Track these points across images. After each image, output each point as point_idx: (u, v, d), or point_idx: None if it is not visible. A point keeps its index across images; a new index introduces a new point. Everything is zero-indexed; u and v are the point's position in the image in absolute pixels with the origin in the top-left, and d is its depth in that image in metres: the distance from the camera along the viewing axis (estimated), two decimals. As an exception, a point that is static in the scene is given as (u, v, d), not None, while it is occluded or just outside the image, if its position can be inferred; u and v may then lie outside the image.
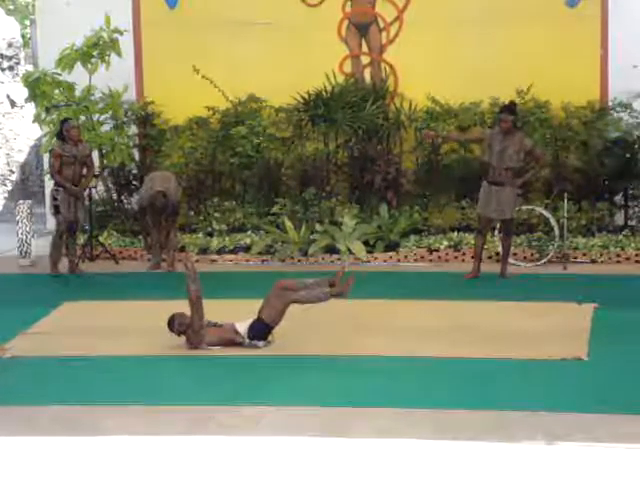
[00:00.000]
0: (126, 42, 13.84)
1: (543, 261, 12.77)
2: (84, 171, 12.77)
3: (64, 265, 12.80)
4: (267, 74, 14.20)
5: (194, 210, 14.14)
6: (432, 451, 6.84)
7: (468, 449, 6.83)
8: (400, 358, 8.94)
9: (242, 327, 9.26)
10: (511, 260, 12.45)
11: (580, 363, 8.72)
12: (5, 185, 18.29)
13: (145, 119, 14.47)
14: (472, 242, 12.77)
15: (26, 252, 13.40)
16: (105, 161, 14.06)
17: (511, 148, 11.76)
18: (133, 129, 14.53)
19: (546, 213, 13.03)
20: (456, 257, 13.16)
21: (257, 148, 13.96)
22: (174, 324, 9.26)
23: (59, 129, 12.77)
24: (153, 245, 12.97)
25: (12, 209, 14.56)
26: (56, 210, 12.69)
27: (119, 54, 13.62)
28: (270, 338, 9.28)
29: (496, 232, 12.79)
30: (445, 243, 13.25)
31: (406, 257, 13.20)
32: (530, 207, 13.23)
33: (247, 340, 9.21)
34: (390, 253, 13.23)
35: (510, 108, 12.02)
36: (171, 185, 12.72)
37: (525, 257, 12.94)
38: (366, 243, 13.27)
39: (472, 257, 12.35)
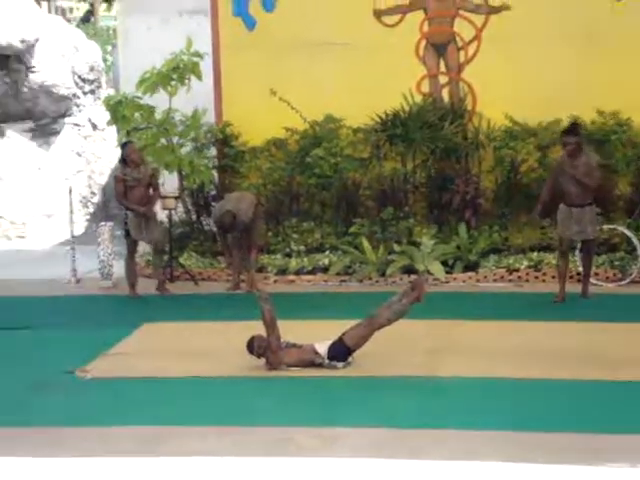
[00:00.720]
0: (205, 64, 13.96)
1: (626, 281, 12.58)
2: (150, 192, 12.86)
3: (144, 286, 12.92)
4: (344, 95, 14.23)
5: (272, 231, 14.19)
6: (512, 475, 6.75)
7: (549, 473, 6.73)
8: (479, 379, 8.86)
9: (322, 348, 9.25)
10: (593, 280, 12.28)
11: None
12: (87, 207, 18.55)
13: (224, 141, 14.58)
14: (553, 262, 12.63)
15: (107, 274, 13.55)
16: (185, 183, 14.18)
17: (581, 169, 11.57)
18: (212, 151, 14.64)
19: (628, 232, 12.84)
20: (536, 277, 13.01)
21: (335, 168, 13.97)
22: (253, 346, 9.30)
23: (121, 154, 12.90)
24: (231, 265, 13.03)
25: (94, 231, 14.73)
26: (127, 233, 12.84)
27: (199, 77, 13.74)
28: (350, 359, 9.26)
29: (577, 252, 12.62)
30: (525, 263, 13.12)
31: (485, 277, 13.08)
32: (612, 226, 13.04)
33: (327, 361, 9.20)
34: (469, 273, 13.12)
35: (573, 130, 11.84)
36: (243, 205, 12.68)
37: (607, 277, 12.75)
38: (445, 263, 13.18)
39: (553, 277, 12.19)
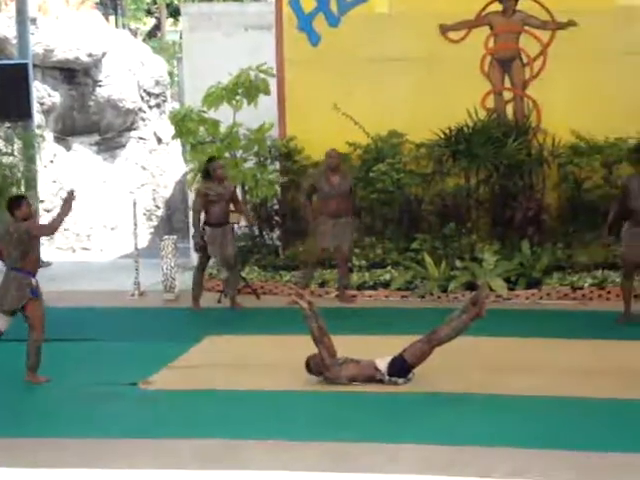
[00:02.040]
0: (269, 79, 14.04)
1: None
2: (231, 207, 12.94)
3: (205, 299, 13.01)
4: (408, 110, 14.22)
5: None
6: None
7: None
8: (540, 398, 8.78)
9: (382, 364, 9.24)
10: (658, 300, 12.13)
11: None
12: (151, 220, 18.73)
13: (287, 155, 14.63)
14: (617, 280, 12.50)
15: (170, 286, 13.66)
16: (248, 197, 14.26)
17: None
18: (276, 165, 14.71)
19: None
20: (600, 295, 12.88)
21: (397, 184, 13.96)
22: (312, 367, 9.38)
23: (205, 168, 12.99)
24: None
25: (157, 244, 14.87)
26: (198, 248, 12.92)
27: (268, 94, 13.84)
28: (410, 375, 9.24)
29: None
30: (589, 281, 12.99)
31: (549, 295, 12.97)
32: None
33: (387, 377, 9.18)
34: (532, 290, 13.03)
35: None
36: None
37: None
38: (507, 280, 13.10)
39: (617, 295, 12.06)
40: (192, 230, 13.18)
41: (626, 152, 13.45)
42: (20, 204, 9.52)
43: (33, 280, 9.49)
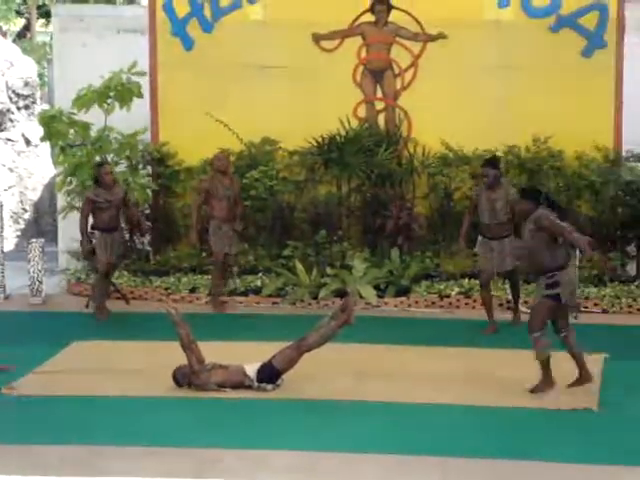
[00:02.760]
0: (142, 84, 13.91)
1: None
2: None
3: (73, 304, 12.81)
4: (281, 117, 14.25)
5: (206, 251, 14.14)
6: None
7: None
8: (405, 404, 8.91)
9: (251, 370, 9.25)
10: (523, 308, 12.40)
11: (590, 413, 8.67)
12: (18, 223, 18.35)
13: (160, 160, 14.51)
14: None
15: (37, 290, 13.42)
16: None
17: (499, 202, 11.72)
18: (148, 170, 14.58)
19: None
20: (467, 304, 13.13)
21: (270, 191, 13.99)
22: (179, 379, 9.35)
23: (94, 174, 12.77)
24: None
25: (24, 247, 14.59)
26: (87, 253, 12.65)
27: (140, 96, 13.70)
28: (279, 382, 9.26)
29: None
30: (456, 289, 13.23)
31: (417, 302, 13.16)
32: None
33: (256, 383, 9.19)
34: (401, 298, 13.19)
35: (492, 162, 12.00)
36: None
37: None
38: (377, 287, 13.25)
39: (482, 304, 12.29)
40: (80, 236, 12.80)
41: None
42: None
43: None
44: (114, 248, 12.66)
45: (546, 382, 9.18)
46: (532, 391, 9.18)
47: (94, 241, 12.60)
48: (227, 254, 12.92)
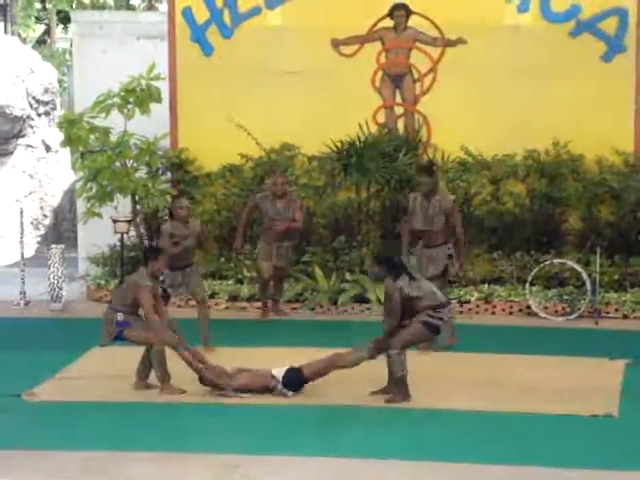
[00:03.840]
0: (162, 89, 13.93)
1: (574, 315, 12.68)
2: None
3: (95, 310, 12.80)
4: (301, 123, 14.25)
5: (225, 257, 14.15)
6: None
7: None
8: (425, 411, 8.92)
9: (278, 372, 9.28)
10: (542, 314, 12.37)
11: (610, 420, 8.63)
12: (38, 229, 18.42)
13: (179, 166, 14.53)
14: (503, 295, 12.78)
15: (57, 297, 13.44)
16: (138, 207, 14.11)
17: (431, 210, 11.23)
18: (167, 175, 14.59)
19: (578, 267, 12.95)
20: (486, 309, 13.09)
21: (290, 197, 13.97)
22: (206, 383, 9.41)
23: (169, 208, 12.37)
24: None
25: (44, 253, 14.63)
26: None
27: (159, 101, 13.70)
28: (302, 389, 9.27)
29: (527, 285, 12.69)
30: (476, 295, 13.20)
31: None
32: (562, 261, 13.16)
33: (280, 386, 9.19)
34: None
35: (427, 169, 11.51)
36: None
37: (556, 311, 12.84)
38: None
39: (502, 309, 12.26)
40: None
41: (513, 168, 13.74)
42: None
43: None
44: (185, 280, 11.70)
45: None
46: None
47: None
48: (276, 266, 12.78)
